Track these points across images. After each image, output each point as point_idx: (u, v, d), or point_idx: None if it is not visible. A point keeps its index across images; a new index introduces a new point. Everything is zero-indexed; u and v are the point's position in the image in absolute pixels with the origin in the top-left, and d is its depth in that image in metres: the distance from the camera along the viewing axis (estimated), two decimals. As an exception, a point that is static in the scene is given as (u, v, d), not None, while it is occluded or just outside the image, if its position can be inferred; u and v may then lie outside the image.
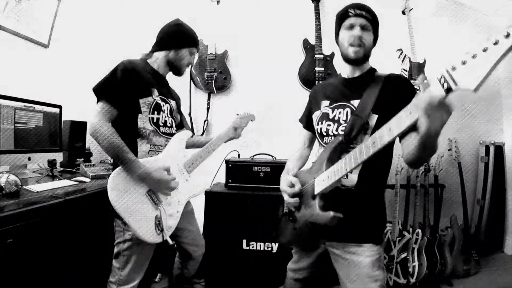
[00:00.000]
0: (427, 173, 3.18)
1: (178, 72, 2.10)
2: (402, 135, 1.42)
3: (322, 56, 3.25)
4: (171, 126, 2.05)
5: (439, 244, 3.05)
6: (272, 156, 2.96)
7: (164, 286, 2.85)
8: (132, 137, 1.85)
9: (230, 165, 2.79)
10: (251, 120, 2.41)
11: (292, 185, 1.64)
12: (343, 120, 1.61)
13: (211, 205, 2.72)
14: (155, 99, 1.92)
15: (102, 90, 1.78)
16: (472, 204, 3.56)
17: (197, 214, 2.32)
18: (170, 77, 2.14)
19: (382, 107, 1.51)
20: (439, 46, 3.42)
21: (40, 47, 3.04)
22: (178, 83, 2.44)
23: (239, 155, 3.04)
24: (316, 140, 1.76)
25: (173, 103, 2.12)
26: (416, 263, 2.91)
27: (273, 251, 2.66)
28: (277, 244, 2.66)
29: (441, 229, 3.16)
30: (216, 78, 3.33)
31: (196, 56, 2.12)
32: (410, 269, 2.90)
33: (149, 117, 1.89)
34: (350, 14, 1.59)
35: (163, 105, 1.97)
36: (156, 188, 1.84)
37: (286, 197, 1.66)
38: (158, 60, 2.03)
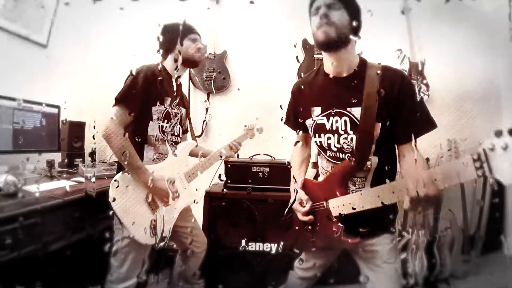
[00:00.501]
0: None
1: (193, 63, 2.15)
2: (399, 143, 1.52)
3: (321, 57, 3.23)
4: (178, 135, 2.12)
5: (439, 245, 3.06)
6: (271, 157, 2.97)
7: (164, 287, 2.83)
8: (140, 143, 1.93)
9: (229, 165, 2.79)
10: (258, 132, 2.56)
11: (303, 203, 1.64)
12: (342, 130, 1.53)
13: (211, 205, 2.72)
14: (166, 108, 2.00)
15: (121, 97, 1.84)
16: (471, 205, 3.53)
17: (196, 213, 2.36)
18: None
19: (385, 115, 1.46)
20: (439, 46, 3.42)
21: (38, 46, 3.04)
22: (176, 83, 2.45)
23: (238, 155, 3.02)
24: (317, 148, 1.71)
25: (183, 110, 2.19)
26: (416, 264, 2.92)
27: (273, 252, 2.66)
28: (276, 245, 2.66)
29: (440, 230, 3.15)
30: (215, 78, 3.35)
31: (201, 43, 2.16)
32: (410, 270, 2.90)
33: (159, 125, 1.97)
34: None
35: (174, 114, 2.05)
36: (158, 196, 1.92)
37: (299, 216, 1.66)
38: (170, 62, 2.08)
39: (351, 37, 1.48)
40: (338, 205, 1.49)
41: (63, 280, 1.96)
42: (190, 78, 3.40)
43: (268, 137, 3.26)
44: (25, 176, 2.44)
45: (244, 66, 3.48)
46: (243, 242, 2.68)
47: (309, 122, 1.67)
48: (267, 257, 2.66)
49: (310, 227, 1.64)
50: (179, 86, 2.17)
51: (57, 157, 2.81)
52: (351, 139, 1.52)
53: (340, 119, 1.53)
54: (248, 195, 2.70)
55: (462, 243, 3.16)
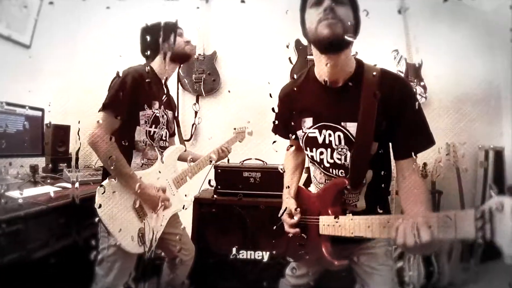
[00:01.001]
0: (423, 179, 3.21)
1: (184, 57, 2.18)
2: (397, 158, 1.46)
3: (314, 57, 3.27)
4: (166, 140, 2.15)
5: (437, 253, 3.09)
6: (263, 161, 3.02)
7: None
8: (128, 148, 1.93)
9: (219, 170, 2.83)
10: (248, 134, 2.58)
11: (291, 214, 1.60)
12: (335, 145, 1.48)
13: (200, 212, 2.76)
14: (154, 112, 2.01)
15: (109, 102, 1.85)
16: None
17: (186, 220, 2.40)
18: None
19: (383, 133, 1.41)
20: (437, 46, 3.45)
21: (21, 47, 3.09)
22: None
23: (228, 160, 3.03)
24: (309, 160, 1.67)
25: (170, 114, 2.20)
26: (413, 272, 2.96)
27: (264, 260, 2.68)
28: (268, 253, 2.67)
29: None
30: (205, 80, 3.39)
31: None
32: (407, 279, 2.94)
33: (147, 130, 1.99)
34: None
35: (161, 118, 2.06)
36: (146, 202, 1.93)
37: (286, 227, 1.63)
38: (159, 62, 2.10)
39: (352, 39, 1.34)
40: (328, 225, 1.46)
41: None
42: (178, 80, 3.43)
43: (260, 141, 3.29)
44: (7, 182, 2.47)
45: (235, 67, 3.51)
46: (234, 249, 2.69)
47: (300, 134, 1.60)
48: (259, 265, 2.69)
49: (301, 237, 1.61)
50: (167, 88, 2.21)
51: (41, 162, 2.85)
52: (345, 155, 1.48)
53: (334, 133, 1.47)
54: (239, 201, 2.74)
55: (461, 250, 3.19)
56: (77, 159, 3.15)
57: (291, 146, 1.80)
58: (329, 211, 1.49)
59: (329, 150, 1.50)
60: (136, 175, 1.88)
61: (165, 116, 2.12)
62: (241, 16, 3.52)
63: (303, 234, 1.58)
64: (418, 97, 3.31)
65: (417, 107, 1.39)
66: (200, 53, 3.40)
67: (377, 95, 1.36)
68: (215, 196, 2.79)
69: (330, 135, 1.48)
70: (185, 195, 2.27)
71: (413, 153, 1.41)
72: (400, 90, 1.40)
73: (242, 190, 2.79)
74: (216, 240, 2.73)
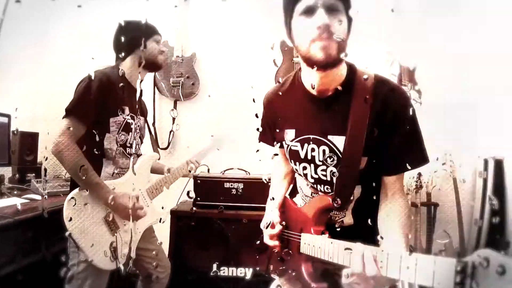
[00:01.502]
0: (418, 190, 3.28)
1: (156, 66, 2.23)
2: (384, 174, 1.43)
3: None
4: (138, 147, 2.20)
5: (432, 269, 3.13)
6: (246, 171, 3.08)
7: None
8: (98, 157, 1.99)
9: (198, 181, 2.89)
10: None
11: (273, 225, 1.57)
12: (319, 161, 1.46)
13: (178, 225, 2.82)
14: (125, 118, 2.06)
15: (74, 107, 1.89)
16: (469, 225, 3.56)
17: (162, 234, 2.47)
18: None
19: (373, 147, 1.37)
20: (432, 47, 3.47)
21: (-15, 49, 3.13)
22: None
23: (208, 169, 3.11)
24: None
25: (141, 119, 2.25)
26: (406, 289, 3.02)
27: (247, 277, 2.74)
28: (251, 270, 2.73)
29: (434, 252, 3.21)
30: (183, 84, 3.44)
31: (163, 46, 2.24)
32: (399, 296, 3.00)
33: (117, 137, 2.04)
34: None
35: (132, 124, 2.11)
36: (120, 215, 1.98)
37: (265, 237, 1.64)
38: (130, 65, 2.15)
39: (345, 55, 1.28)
40: (309, 244, 1.44)
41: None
42: (155, 84, 3.49)
43: (242, 150, 3.20)
44: (-30, 193, 2.52)
45: (215, 70, 3.57)
46: (214, 266, 2.71)
47: (284, 144, 1.59)
48: (241, 283, 2.72)
49: (284, 251, 1.62)
50: (136, 92, 2.25)
51: (7, 171, 2.91)
52: (331, 172, 1.45)
53: (318, 148, 1.45)
54: (220, 214, 2.81)
55: (458, 266, 3.21)
56: (45, 168, 3.19)
57: (276, 155, 1.79)
58: (312, 230, 1.48)
59: (312, 165, 1.49)
60: (107, 185, 1.92)
61: (137, 121, 2.17)
62: (222, 15, 3.55)
63: (286, 249, 1.59)
64: (413, 102, 3.31)
65: (413, 121, 1.37)
66: (178, 55, 3.44)
67: (368, 100, 1.32)
68: (194, 208, 2.85)
69: (313, 149, 1.45)
70: (162, 207, 2.33)
71: (401, 171, 1.42)
72: (396, 102, 1.37)
73: (224, 202, 2.85)
74: (195, 256, 2.79)
